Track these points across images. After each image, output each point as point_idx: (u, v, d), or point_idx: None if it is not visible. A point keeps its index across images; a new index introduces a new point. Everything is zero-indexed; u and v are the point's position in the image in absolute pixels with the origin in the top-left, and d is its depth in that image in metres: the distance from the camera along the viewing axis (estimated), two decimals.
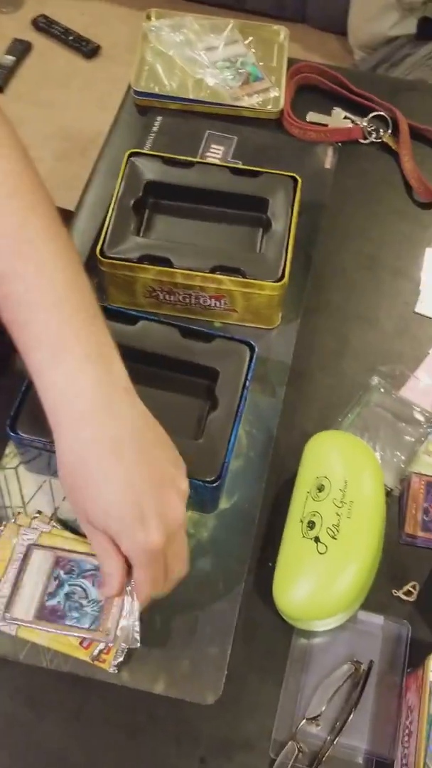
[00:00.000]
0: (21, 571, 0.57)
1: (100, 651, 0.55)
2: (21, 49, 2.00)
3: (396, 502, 0.64)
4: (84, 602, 0.56)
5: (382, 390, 0.69)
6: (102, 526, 0.47)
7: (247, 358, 0.63)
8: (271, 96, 0.88)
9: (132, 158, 0.74)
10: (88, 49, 1.99)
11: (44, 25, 2.04)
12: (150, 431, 0.50)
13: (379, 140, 0.86)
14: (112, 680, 0.55)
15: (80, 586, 0.57)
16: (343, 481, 0.58)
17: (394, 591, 0.60)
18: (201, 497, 0.60)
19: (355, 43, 1.87)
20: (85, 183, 0.83)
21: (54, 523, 0.60)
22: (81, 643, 0.55)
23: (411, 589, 0.60)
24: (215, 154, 0.85)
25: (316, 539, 0.56)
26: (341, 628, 0.58)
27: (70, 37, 2.02)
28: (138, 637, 0.53)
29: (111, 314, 0.64)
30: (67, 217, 0.82)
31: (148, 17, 0.93)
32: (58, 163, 1.78)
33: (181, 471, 0.51)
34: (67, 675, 0.56)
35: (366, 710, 0.55)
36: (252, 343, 0.64)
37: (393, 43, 1.72)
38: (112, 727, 0.55)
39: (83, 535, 0.60)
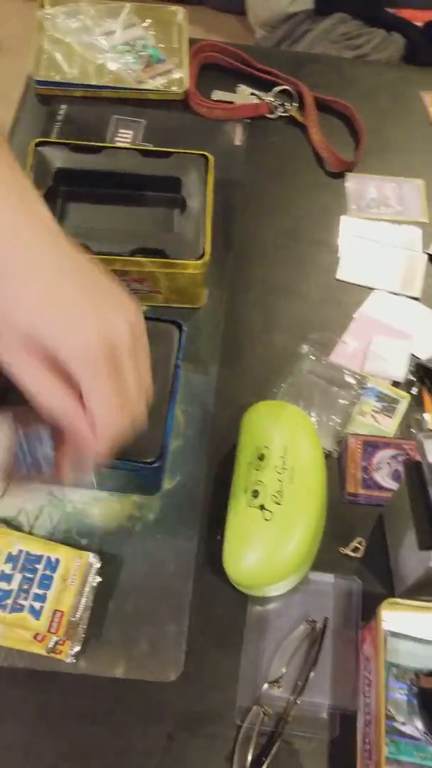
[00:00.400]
0: None
1: (56, 643, 0.54)
2: None
3: (336, 464, 0.66)
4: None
5: (312, 357, 0.70)
6: (38, 336, 0.38)
7: (176, 338, 0.63)
8: (175, 77, 0.88)
9: (38, 148, 0.72)
10: None
11: None
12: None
13: (286, 114, 0.87)
14: (71, 670, 0.55)
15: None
16: (282, 448, 0.59)
17: (341, 549, 0.62)
18: (143, 480, 0.60)
19: (255, 22, 1.88)
20: None
21: None
22: (35, 637, 0.54)
23: (357, 545, 0.62)
24: (125, 138, 0.84)
25: (261, 507, 0.56)
26: (294, 590, 0.59)
27: None
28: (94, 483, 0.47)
29: None
30: None
31: (41, 5, 0.91)
32: None
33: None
34: (23, 671, 0.55)
35: (326, 667, 0.56)
36: (180, 322, 0.64)
37: (292, 19, 1.74)
38: (77, 717, 0.54)
39: (28, 533, 0.59)
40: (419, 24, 1.65)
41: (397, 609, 0.53)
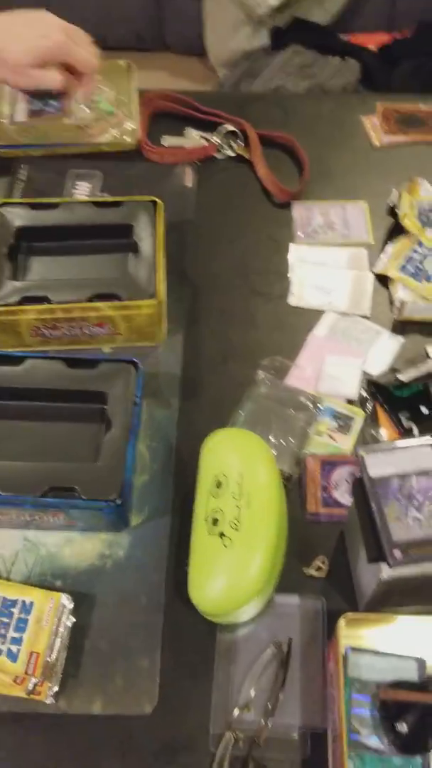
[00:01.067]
0: None
1: (35, 684, 0.56)
2: None
3: (296, 486, 0.68)
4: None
5: (267, 383, 0.73)
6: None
7: (134, 377, 0.66)
8: (127, 128, 0.92)
9: (0, 208, 0.76)
10: None
11: None
12: None
13: (234, 153, 0.91)
14: (51, 710, 0.57)
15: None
16: (238, 474, 0.61)
17: (305, 569, 0.63)
18: (109, 517, 0.62)
19: (216, 62, 1.94)
20: None
21: None
22: (15, 680, 0.56)
23: (321, 564, 0.63)
24: (83, 191, 0.88)
25: (221, 534, 0.58)
26: (261, 614, 0.60)
27: None
28: None
29: None
30: None
31: None
32: None
33: None
34: (6, 714, 0.57)
35: (295, 687, 0.57)
36: (135, 360, 0.66)
37: (251, 56, 1.80)
38: (57, 755, 0.56)
39: (6, 578, 0.61)
40: (373, 48, 1.70)
41: (355, 624, 0.55)
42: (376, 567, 0.53)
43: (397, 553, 0.50)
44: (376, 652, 0.54)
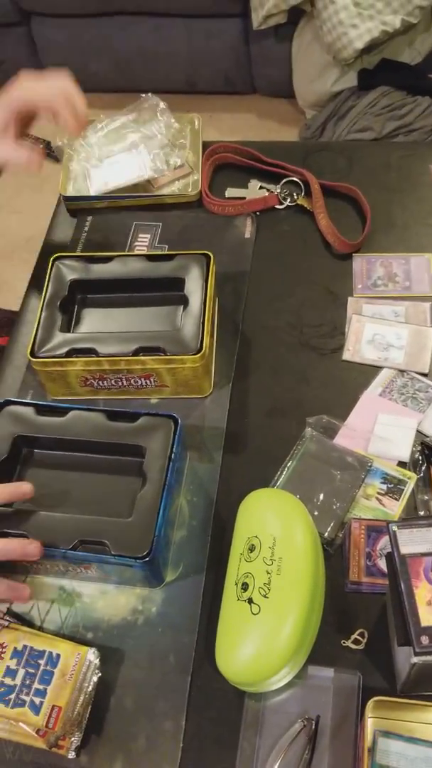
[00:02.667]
0: None
1: (57, 738, 0.57)
2: None
3: (339, 551, 0.65)
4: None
5: (315, 440, 0.71)
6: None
7: (172, 431, 0.66)
8: (191, 180, 0.94)
9: (56, 261, 0.80)
10: (57, 154, 2.13)
11: None
12: None
13: (294, 203, 0.90)
14: (72, 766, 0.57)
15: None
16: (272, 539, 0.59)
17: (343, 641, 0.60)
18: (142, 574, 0.62)
19: (303, 104, 1.96)
20: (26, 287, 0.89)
21: (8, 618, 0.63)
22: (37, 732, 0.57)
23: (359, 637, 0.60)
24: (143, 242, 0.90)
25: (249, 600, 0.57)
26: (291, 685, 0.58)
27: (41, 145, 2.16)
28: None
29: (43, 409, 0.69)
30: (11, 317, 0.88)
31: None
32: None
33: None
34: (29, 765, 0.57)
35: (323, 764, 0.55)
36: (175, 416, 0.67)
37: (337, 97, 1.80)
38: None
39: (39, 628, 0.63)
40: None
41: (389, 707, 0.52)
42: (409, 650, 0.50)
43: (425, 639, 0.47)
44: (409, 739, 0.51)
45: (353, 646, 0.60)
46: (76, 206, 0.94)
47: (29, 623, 0.63)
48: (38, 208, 2.03)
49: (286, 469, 0.69)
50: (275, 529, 0.60)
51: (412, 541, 0.51)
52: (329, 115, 1.81)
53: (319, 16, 1.70)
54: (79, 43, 2.13)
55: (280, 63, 2.00)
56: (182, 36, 2.06)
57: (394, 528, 0.52)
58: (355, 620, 0.62)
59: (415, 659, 0.48)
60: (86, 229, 0.93)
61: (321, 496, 0.67)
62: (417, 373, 0.75)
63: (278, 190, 0.91)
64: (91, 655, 0.59)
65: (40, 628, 0.63)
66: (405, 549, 0.51)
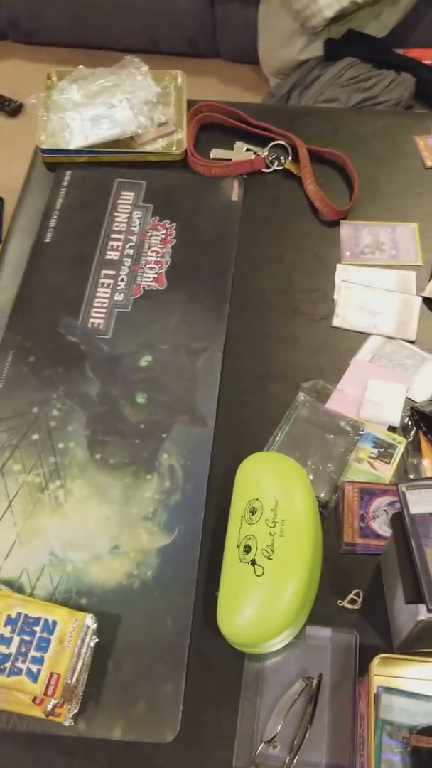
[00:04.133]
0: None
1: (54, 706, 0.55)
2: None
3: (333, 513, 0.66)
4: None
5: (308, 405, 0.71)
6: None
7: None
8: (175, 138, 0.91)
9: None
10: (10, 108, 2.03)
11: None
12: None
13: (282, 167, 0.89)
14: (69, 733, 0.56)
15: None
16: (273, 501, 0.59)
17: (339, 601, 0.61)
18: None
19: (268, 71, 1.93)
20: (2, 243, 0.85)
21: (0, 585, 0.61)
22: (33, 700, 0.55)
23: (355, 597, 0.61)
24: (126, 199, 0.87)
25: (253, 562, 0.57)
26: (291, 646, 0.59)
27: None
28: None
29: None
30: None
31: (49, 77, 0.97)
32: None
33: None
34: (25, 735, 0.56)
35: (322, 724, 0.56)
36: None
37: (303, 66, 1.79)
38: None
39: (29, 595, 0.61)
40: (429, 62, 1.67)
41: (390, 664, 0.53)
42: (414, 608, 0.51)
43: None
44: (411, 694, 0.52)
45: (349, 606, 0.61)
46: (55, 159, 0.90)
47: (19, 590, 0.61)
48: None
49: (280, 433, 0.69)
50: (276, 492, 0.60)
51: (421, 502, 0.52)
52: (294, 83, 1.79)
53: None
54: None
55: (246, 28, 1.96)
56: None
57: (404, 488, 0.52)
58: (350, 581, 0.62)
59: (424, 616, 0.49)
60: (65, 183, 0.89)
61: (315, 460, 0.68)
62: (404, 340, 0.76)
63: (265, 153, 0.89)
64: (89, 621, 0.58)
65: (31, 595, 0.61)
66: (414, 509, 0.52)
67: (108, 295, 0.79)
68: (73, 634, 0.57)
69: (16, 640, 0.56)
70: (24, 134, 2.05)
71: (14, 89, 2.08)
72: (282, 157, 0.89)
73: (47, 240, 0.83)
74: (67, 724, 0.55)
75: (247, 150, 0.91)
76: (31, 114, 2.10)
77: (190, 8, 2.00)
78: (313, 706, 0.56)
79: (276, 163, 0.89)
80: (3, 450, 0.68)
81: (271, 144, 0.90)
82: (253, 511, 0.59)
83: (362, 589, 0.62)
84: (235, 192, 0.88)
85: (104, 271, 0.81)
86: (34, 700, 0.55)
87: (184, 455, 0.69)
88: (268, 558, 0.56)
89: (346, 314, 0.78)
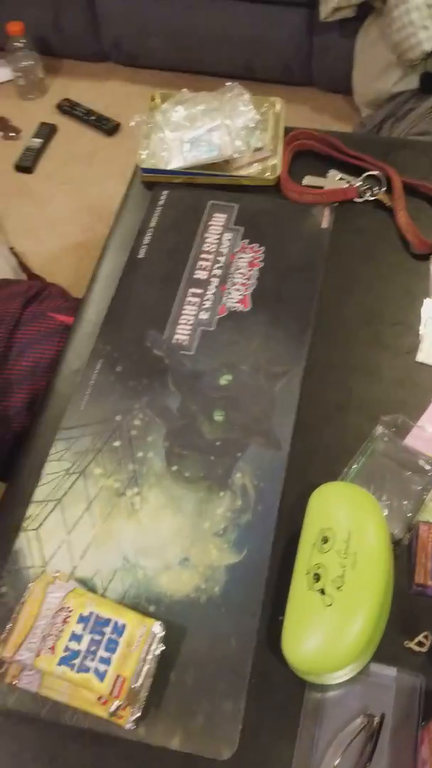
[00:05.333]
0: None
1: (118, 707, 0.56)
2: (47, 132, 2.12)
3: (405, 552, 0.65)
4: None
5: (386, 439, 0.70)
6: None
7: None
8: (269, 164, 0.93)
9: None
10: (108, 127, 2.11)
11: (68, 108, 2.17)
12: None
13: (374, 198, 0.89)
14: (129, 736, 0.57)
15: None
16: (347, 532, 0.59)
17: (406, 642, 0.60)
18: None
19: (361, 102, 1.94)
20: (98, 258, 0.88)
21: (73, 582, 0.63)
22: (99, 699, 0.57)
23: (423, 639, 0.60)
24: (218, 221, 0.90)
25: (322, 591, 0.57)
26: (354, 680, 0.58)
27: (92, 117, 2.14)
28: None
29: None
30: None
31: (153, 99, 1.00)
32: (84, 234, 1.87)
33: None
34: (86, 732, 0.57)
35: (381, 764, 0.55)
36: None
37: (397, 99, 1.79)
38: None
39: (101, 595, 0.63)
40: None
41: None
42: None
43: None
44: None
45: (416, 648, 0.60)
46: (153, 179, 0.94)
47: (92, 591, 0.63)
48: (86, 179, 2.03)
49: (355, 464, 0.69)
50: (350, 523, 0.60)
51: None
52: (387, 115, 1.79)
53: (389, 14, 1.68)
54: (141, 18, 2.11)
55: (342, 58, 1.98)
56: (245, 21, 2.04)
57: None
58: (419, 623, 0.61)
59: None
60: (161, 203, 0.92)
61: (390, 496, 0.67)
62: None
63: (358, 183, 0.90)
64: (157, 628, 0.59)
65: (103, 596, 0.63)
66: None
67: (194, 312, 0.81)
68: (141, 640, 0.58)
69: (87, 638, 0.58)
70: (119, 153, 2.13)
71: (113, 110, 2.16)
72: (375, 188, 0.90)
73: (140, 256, 0.86)
74: (128, 727, 0.56)
75: (340, 179, 0.92)
76: (127, 134, 2.19)
77: (288, 36, 2.04)
78: (374, 744, 0.55)
79: (368, 194, 0.90)
80: (87, 453, 0.70)
81: (366, 174, 0.90)
82: (325, 540, 0.59)
83: (430, 632, 0.61)
84: (326, 219, 0.89)
85: (191, 290, 0.83)
86: (99, 699, 0.57)
87: (257, 476, 0.69)
88: (338, 589, 0.56)
89: None
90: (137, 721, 0.57)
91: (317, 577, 0.57)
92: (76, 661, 0.57)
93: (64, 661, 0.57)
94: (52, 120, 2.16)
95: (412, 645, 0.60)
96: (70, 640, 0.58)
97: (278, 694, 0.59)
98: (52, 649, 0.57)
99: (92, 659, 0.57)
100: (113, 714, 0.57)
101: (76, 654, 0.57)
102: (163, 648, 0.59)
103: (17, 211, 1.93)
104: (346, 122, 2.06)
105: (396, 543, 0.65)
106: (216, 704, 0.58)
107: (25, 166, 2.04)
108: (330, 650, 0.55)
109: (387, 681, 0.58)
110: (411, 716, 0.57)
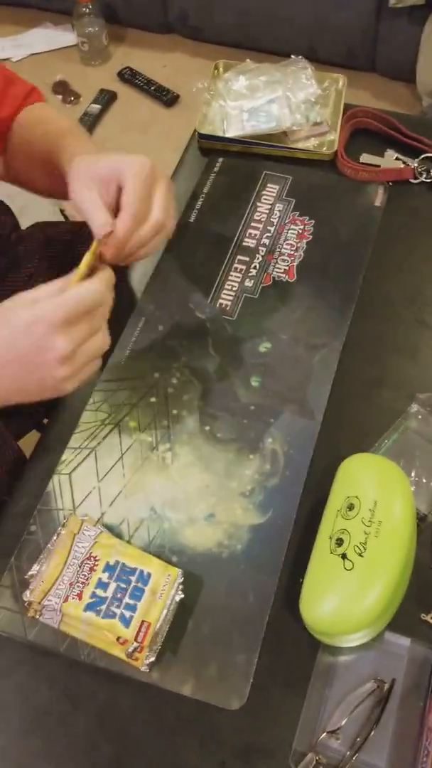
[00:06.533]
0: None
1: (134, 649, 0.58)
2: (107, 99, 2.14)
3: (429, 528, 0.65)
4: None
5: (420, 417, 0.70)
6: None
7: None
8: (327, 139, 0.93)
9: None
10: (168, 98, 2.12)
11: (129, 77, 2.19)
12: None
13: (430, 180, 0.89)
14: (143, 678, 0.58)
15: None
16: (372, 502, 0.59)
17: (422, 615, 0.61)
18: None
19: (423, 90, 1.91)
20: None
21: (100, 527, 0.64)
22: (117, 639, 0.58)
23: None
24: (271, 191, 0.90)
25: (344, 555, 0.57)
26: (367, 646, 0.59)
27: (152, 87, 2.15)
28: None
29: None
30: None
31: (216, 67, 1.01)
32: None
33: None
34: (102, 670, 0.59)
35: (387, 729, 0.55)
36: None
37: None
38: (140, 723, 0.57)
39: (127, 542, 0.64)
40: None
41: None
42: None
43: None
44: None
45: (431, 621, 0.60)
46: (210, 146, 0.94)
47: (118, 536, 0.65)
48: (141, 148, 2.04)
49: (387, 439, 0.69)
50: (377, 494, 0.60)
51: None
52: None
53: None
54: None
55: (407, 45, 1.95)
56: (312, 1, 2.02)
57: None
58: None
59: None
60: (215, 169, 0.92)
61: (419, 472, 0.67)
62: None
63: (415, 164, 0.89)
64: (180, 577, 0.60)
65: (128, 543, 0.64)
66: None
67: (239, 279, 0.82)
68: (165, 588, 0.59)
69: (113, 586, 0.60)
70: (177, 125, 2.14)
71: (173, 81, 2.17)
72: (431, 170, 0.89)
73: (191, 220, 0.87)
74: (143, 669, 0.58)
75: (397, 159, 0.91)
76: (186, 106, 2.19)
77: (354, 19, 2.01)
78: (381, 708, 0.56)
79: (425, 175, 0.89)
80: (122, 406, 0.72)
81: (423, 156, 0.89)
82: (351, 507, 0.60)
83: None
84: (379, 198, 0.88)
85: (239, 257, 0.84)
86: (118, 639, 0.58)
87: (288, 443, 0.70)
88: (360, 555, 0.57)
89: None
90: (152, 665, 0.58)
91: (340, 542, 0.58)
92: (102, 608, 0.58)
93: (90, 607, 0.59)
94: (112, 87, 2.18)
95: (428, 618, 0.60)
96: (97, 587, 0.59)
97: (291, 652, 0.60)
98: (79, 596, 0.59)
99: (118, 606, 0.59)
100: (130, 655, 0.58)
101: (102, 600, 0.59)
102: (182, 596, 0.60)
103: None
104: (407, 110, 2.03)
105: (421, 519, 0.65)
106: (229, 656, 0.59)
107: None
108: (346, 613, 0.56)
109: (400, 650, 0.59)
110: (420, 686, 0.57)
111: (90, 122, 2.07)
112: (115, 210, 0.63)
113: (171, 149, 1.95)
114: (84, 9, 2.12)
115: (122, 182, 0.62)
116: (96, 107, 2.11)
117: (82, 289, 0.57)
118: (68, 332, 0.55)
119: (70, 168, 0.66)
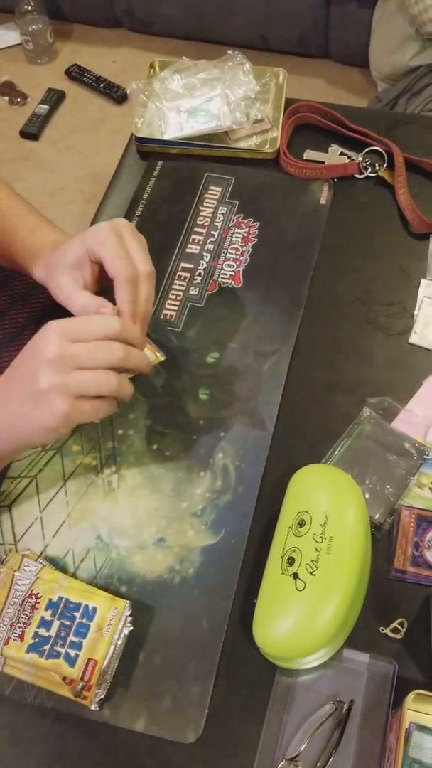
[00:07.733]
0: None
1: (83, 688, 0.56)
2: (55, 98, 2.09)
3: (386, 537, 0.63)
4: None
5: (373, 422, 0.69)
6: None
7: None
8: (269, 137, 0.90)
9: None
10: (118, 95, 2.07)
11: (77, 74, 2.14)
12: None
13: (375, 174, 0.86)
14: (94, 717, 0.56)
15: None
16: (323, 516, 0.57)
17: (381, 628, 0.59)
18: None
19: (377, 76, 1.89)
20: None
21: (42, 561, 0.62)
22: (64, 680, 0.56)
23: (398, 626, 0.59)
24: (213, 194, 0.87)
25: (295, 575, 0.55)
26: (325, 666, 0.57)
27: (102, 84, 2.11)
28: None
29: None
30: None
31: (152, 66, 0.97)
32: (88, 204, 1.84)
33: None
34: (50, 711, 0.57)
35: (349, 751, 0.54)
36: None
37: (414, 73, 1.73)
38: (93, 765, 0.55)
39: (72, 575, 0.61)
40: None
41: (426, 701, 0.50)
42: None
43: None
44: None
45: (391, 635, 0.59)
46: (148, 149, 0.91)
47: (63, 569, 0.62)
48: (92, 147, 2.00)
49: (340, 446, 0.67)
50: (328, 507, 0.58)
51: None
52: (403, 90, 1.74)
53: None
54: None
55: (359, 30, 1.92)
56: None
57: None
58: (396, 609, 0.60)
59: None
60: (155, 173, 0.89)
61: (373, 479, 0.65)
62: None
63: (360, 159, 0.87)
64: (128, 609, 0.58)
65: (74, 575, 0.62)
66: None
67: (183, 288, 0.79)
68: (112, 623, 0.57)
69: (56, 624, 0.57)
70: (128, 122, 2.09)
71: (123, 77, 2.13)
72: (377, 164, 0.87)
73: None
74: (92, 708, 0.56)
75: (342, 154, 0.89)
76: (135, 102, 2.13)
77: (304, 7, 1.99)
78: (341, 731, 0.54)
79: (369, 170, 0.87)
80: None
81: (367, 149, 0.87)
82: (302, 524, 0.58)
83: (407, 619, 0.59)
84: (324, 196, 0.86)
85: (183, 264, 0.81)
86: (64, 679, 0.56)
87: (240, 456, 0.68)
88: (311, 574, 0.55)
89: (426, 332, 0.75)
90: (102, 702, 0.56)
91: (291, 561, 0.56)
92: (46, 648, 0.56)
93: (33, 648, 0.56)
94: (60, 86, 2.13)
95: (387, 631, 0.59)
96: (39, 626, 0.57)
97: (248, 676, 0.58)
98: (21, 636, 0.56)
99: (62, 645, 0.56)
100: (78, 694, 0.56)
101: (45, 640, 0.56)
102: (132, 628, 0.58)
103: (21, 177, 1.91)
104: (362, 96, 2.01)
105: (377, 527, 0.63)
106: (184, 686, 0.57)
107: (31, 132, 2.01)
108: (300, 636, 0.54)
109: (359, 667, 0.57)
110: (381, 703, 0.56)
111: (39, 123, 2.02)
112: (101, 278, 0.64)
113: (123, 147, 1.91)
114: (26, 6, 2.06)
115: (95, 256, 0.62)
116: (44, 107, 2.06)
117: (96, 316, 0.59)
118: (65, 337, 0.54)
119: (38, 272, 0.68)
